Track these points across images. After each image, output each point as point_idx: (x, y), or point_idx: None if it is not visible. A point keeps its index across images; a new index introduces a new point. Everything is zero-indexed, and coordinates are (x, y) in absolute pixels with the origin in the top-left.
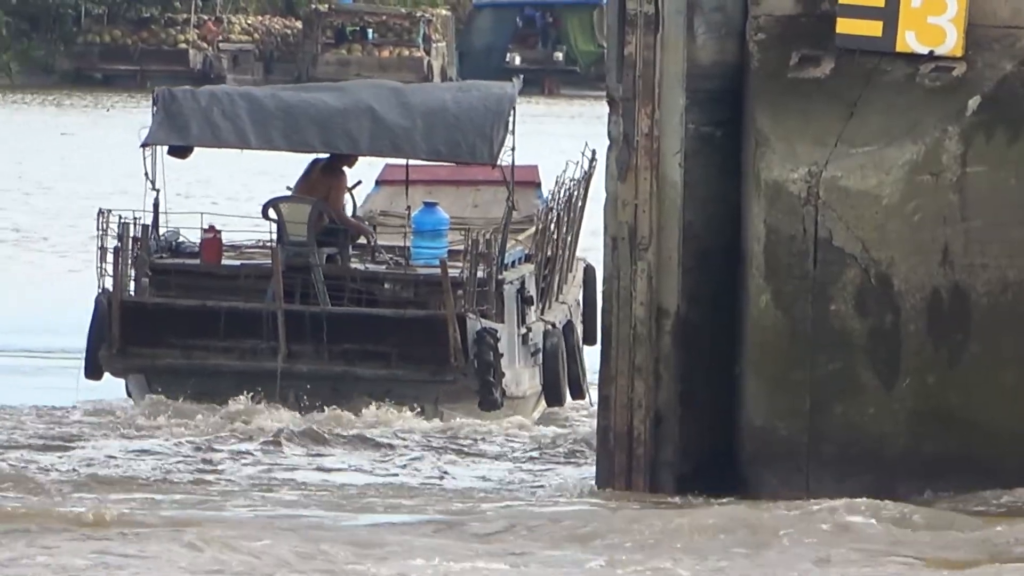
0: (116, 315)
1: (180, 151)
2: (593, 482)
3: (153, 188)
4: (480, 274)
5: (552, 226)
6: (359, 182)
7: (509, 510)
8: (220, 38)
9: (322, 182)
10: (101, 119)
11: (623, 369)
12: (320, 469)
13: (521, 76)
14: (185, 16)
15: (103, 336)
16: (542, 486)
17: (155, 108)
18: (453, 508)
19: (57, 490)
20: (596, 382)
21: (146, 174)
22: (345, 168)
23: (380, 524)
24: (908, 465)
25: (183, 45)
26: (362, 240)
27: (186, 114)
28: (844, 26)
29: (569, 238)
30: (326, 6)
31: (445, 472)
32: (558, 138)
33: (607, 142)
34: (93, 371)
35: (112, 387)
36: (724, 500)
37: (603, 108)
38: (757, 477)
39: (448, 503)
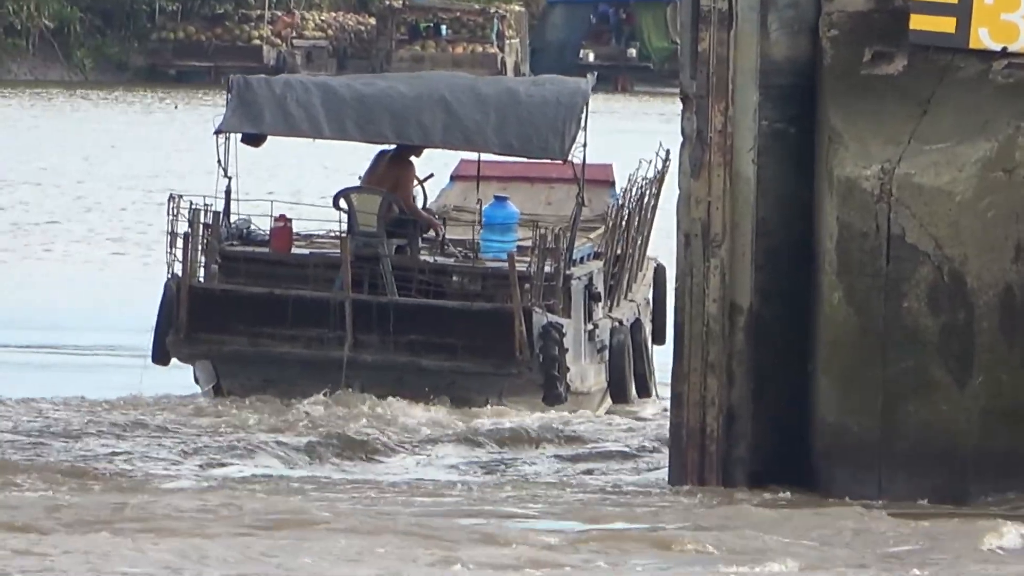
0: (184, 300)
1: (253, 139)
2: (664, 479)
3: (225, 175)
4: (548, 269)
5: (622, 224)
6: (431, 175)
7: (589, 507)
8: (294, 34)
9: (391, 173)
10: (174, 116)
11: (696, 366)
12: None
13: (595, 72)
14: (259, 12)
15: (170, 321)
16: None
17: (230, 95)
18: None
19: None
20: (665, 380)
21: (219, 161)
22: (413, 159)
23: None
24: (980, 463)
25: (257, 41)
26: (431, 233)
27: (260, 102)
28: (917, 22)
29: (639, 237)
30: (400, 2)
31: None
32: (631, 135)
33: (680, 139)
34: (160, 356)
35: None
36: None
37: (676, 105)
38: (828, 474)
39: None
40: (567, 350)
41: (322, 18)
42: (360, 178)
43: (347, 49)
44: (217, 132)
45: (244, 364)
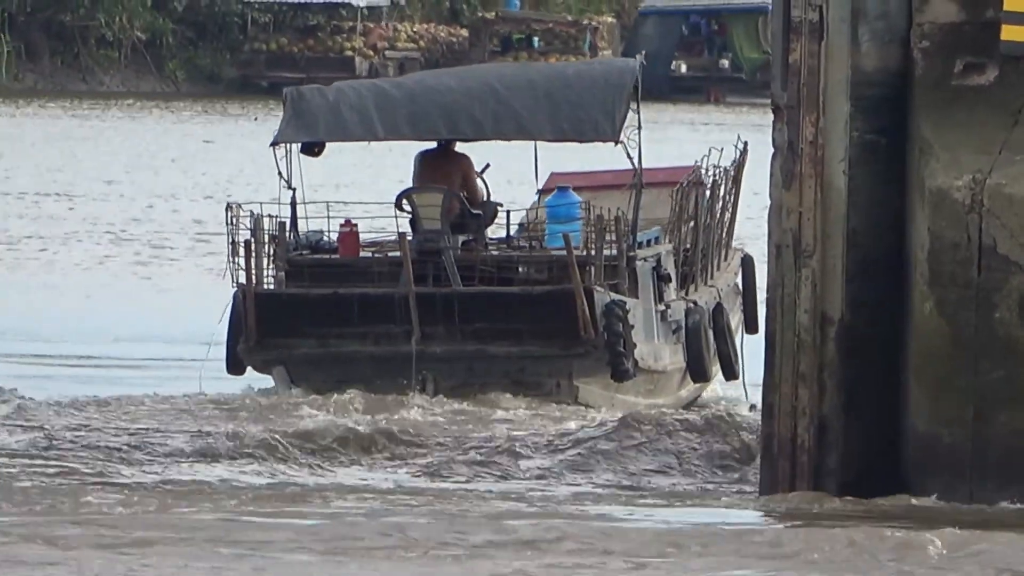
0: (251, 308)
1: (311, 148)
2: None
3: (288, 187)
4: (612, 252)
5: (695, 209)
6: (488, 166)
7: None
8: (386, 46)
9: (449, 170)
10: (258, 127)
11: (787, 377)
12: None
13: (644, 52)
14: (351, 24)
15: (241, 330)
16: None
17: (284, 107)
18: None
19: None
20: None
21: (279, 173)
22: (461, 149)
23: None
24: None
25: (349, 53)
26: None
27: (314, 111)
28: (1008, 33)
29: (720, 225)
30: (493, 14)
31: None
32: (724, 147)
33: (771, 150)
34: (234, 366)
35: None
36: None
37: (769, 116)
38: (920, 484)
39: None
40: (632, 327)
41: (414, 30)
42: (414, 179)
43: (439, 61)
44: (273, 144)
45: (315, 366)
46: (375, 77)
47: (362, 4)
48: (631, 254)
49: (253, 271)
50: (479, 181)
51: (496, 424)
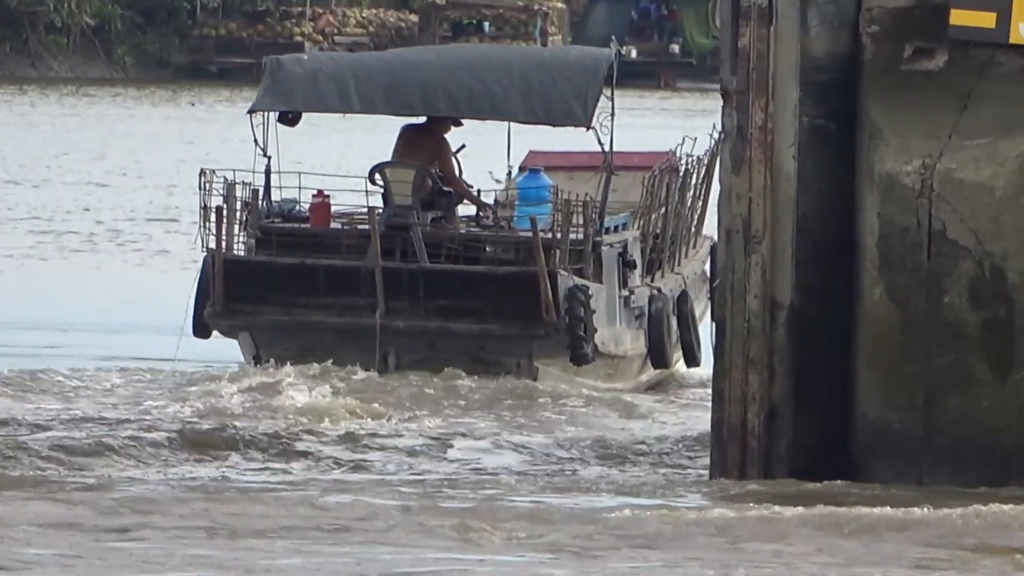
0: (219, 273)
1: (287, 117)
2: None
3: (264, 155)
4: (580, 236)
5: (662, 197)
6: (463, 146)
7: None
8: (335, 31)
9: (426, 147)
10: (212, 112)
11: (737, 362)
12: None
13: (615, 39)
14: (300, 9)
15: (208, 295)
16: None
17: (263, 76)
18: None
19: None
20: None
21: (255, 140)
22: (446, 134)
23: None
24: (1021, 457)
25: (299, 38)
26: (484, 212)
27: (292, 80)
28: (957, 18)
29: (690, 213)
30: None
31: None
32: (673, 132)
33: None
34: (200, 329)
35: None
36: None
37: (719, 101)
38: (870, 469)
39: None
40: (594, 312)
41: (363, 15)
42: (394, 152)
43: (387, 46)
44: (250, 111)
45: (281, 334)
46: None
47: None
48: (597, 239)
49: (224, 237)
50: (453, 160)
51: (448, 406)
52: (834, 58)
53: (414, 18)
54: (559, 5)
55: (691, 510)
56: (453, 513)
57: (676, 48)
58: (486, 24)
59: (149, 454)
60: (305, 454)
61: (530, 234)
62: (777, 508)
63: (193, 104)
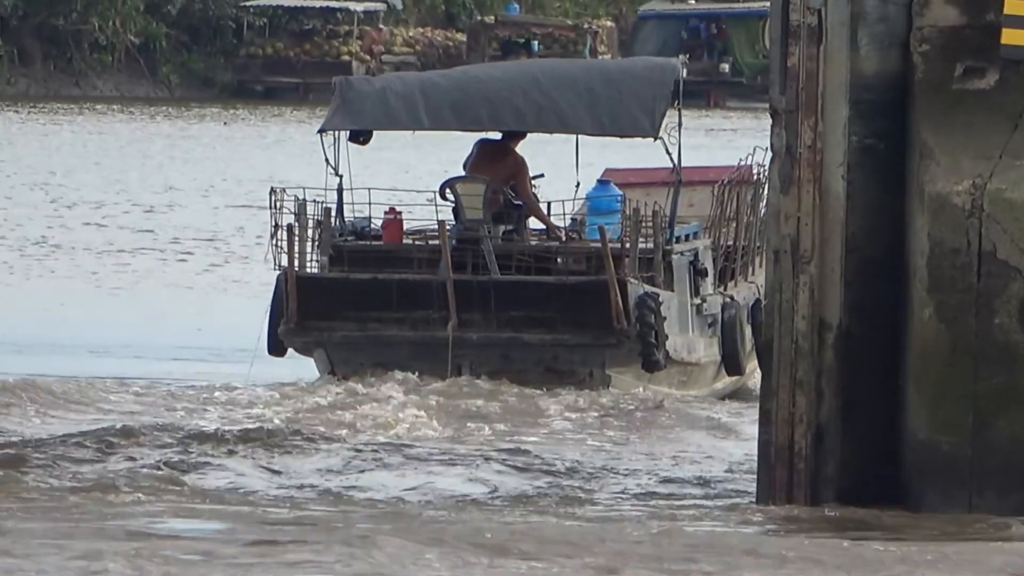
0: (292, 290)
1: (358, 136)
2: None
3: (336, 174)
4: (651, 245)
5: (733, 208)
6: (541, 175)
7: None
8: (382, 50)
9: (502, 165)
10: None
11: (784, 383)
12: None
13: (687, 55)
14: (347, 28)
15: (282, 313)
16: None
17: (333, 96)
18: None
19: None
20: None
21: (326, 160)
22: (517, 149)
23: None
24: None
25: (345, 57)
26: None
27: (361, 99)
28: (1009, 37)
29: (761, 224)
30: (492, 18)
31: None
32: (722, 152)
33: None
34: (275, 347)
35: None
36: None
37: (768, 120)
38: (919, 492)
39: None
40: (664, 319)
41: (410, 34)
42: (465, 166)
43: (435, 65)
44: (320, 131)
45: (354, 349)
46: None
47: (358, 8)
48: (667, 247)
49: (296, 254)
50: (529, 182)
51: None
52: (884, 77)
53: (462, 37)
54: (608, 24)
55: (730, 534)
56: (496, 531)
57: (726, 67)
58: (535, 43)
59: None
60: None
61: (600, 244)
62: (824, 537)
63: (226, 123)
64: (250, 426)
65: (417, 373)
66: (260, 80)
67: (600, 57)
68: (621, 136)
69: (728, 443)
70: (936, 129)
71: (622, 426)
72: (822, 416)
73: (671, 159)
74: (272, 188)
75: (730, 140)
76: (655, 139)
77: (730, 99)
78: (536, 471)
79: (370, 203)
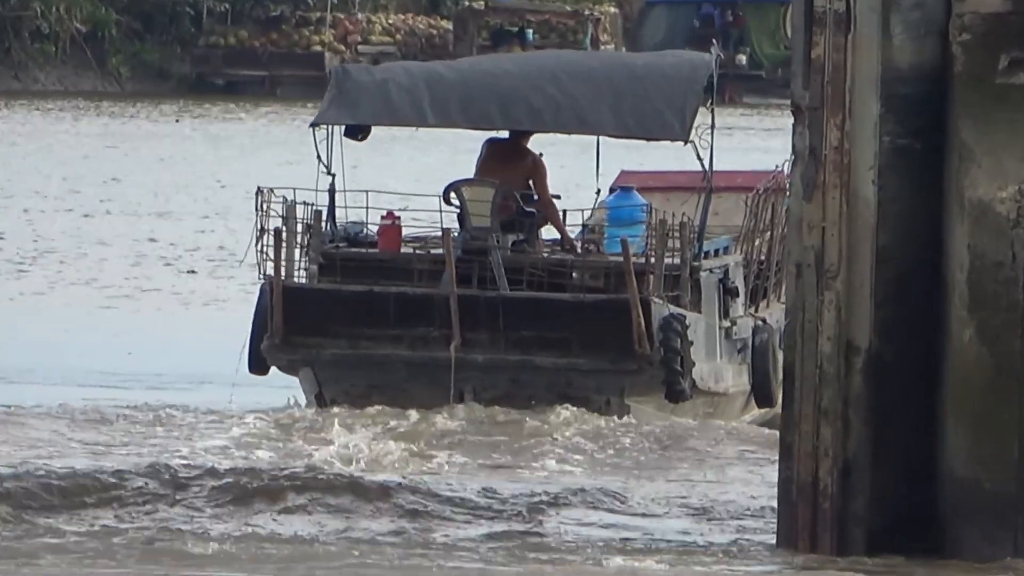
0: (279, 302)
1: (355, 132)
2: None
3: (328, 173)
4: (676, 261)
5: (766, 222)
6: (540, 154)
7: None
8: (358, 39)
9: (515, 166)
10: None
11: (808, 413)
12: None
13: (718, 42)
14: (319, 15)
15: (266, 326)
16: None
17: (328, 86)
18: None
19: None
20: None
21: (318, 157)
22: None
23: None
24: None
25: (317, 48)
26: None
27: (360, 90)
28: None
29: None
30: (481, 4)
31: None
32: (740, 153)
33: (791, 156)
34: (257, 365)
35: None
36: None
37: (789, 118)
38: (958, 534)
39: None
40: (691, 344)
41: (389, 21)
42: (476, 169)
43: (417, 56)
44: (313, 125)
45: (346, 369)
46: None
47: None
48: (695, 264)
49: (283, 262)
50: (548, 183)
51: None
52: (920, 70)
53: (447, 25)
54: (612, 10)
55: None
56: None
57: (743, 59)
58: (530, 32)
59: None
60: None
61: (621, 258)
62: None
63: (178, 120)
64: (216, 465)
65: (408, 399)
66: (221, 73)
67: (603, 47)
68: (647, 139)
69: (753, 476)
70: (977, 127)
71: (634, 457)
72: (849, 449)
73: (702, 165)
74: (259, 188)
75: (746, 140)
76: (685, 143)
77: (747, 94)
78: (527, 508)
79: (367, 207)
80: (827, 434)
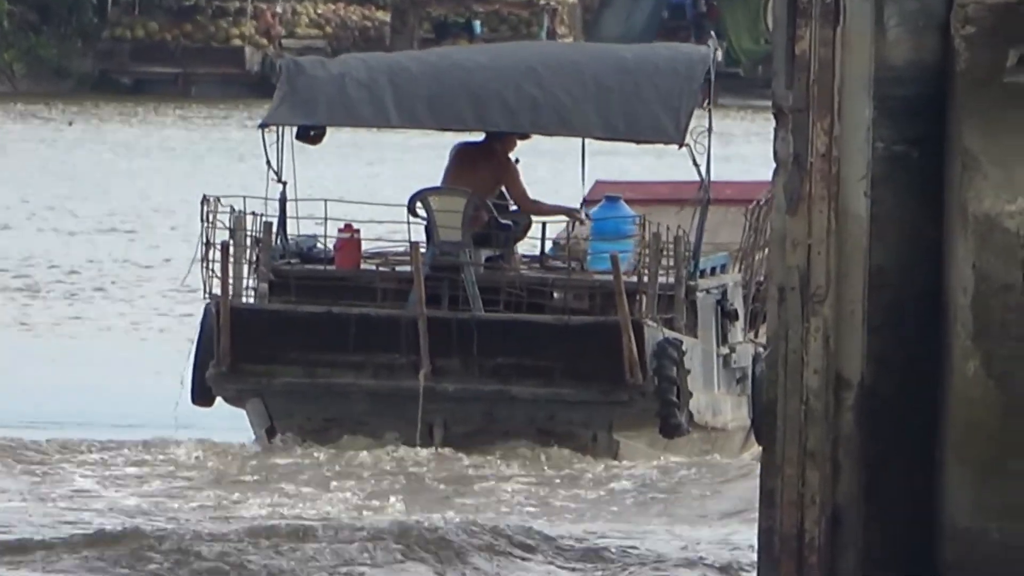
0: (226, 325)
1: (309, 134)
2: None
3: (278, 180)
4: (669, 280)
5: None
6: (516, 160)
7: None
8: (282, 32)
9: (485, 172)
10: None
11: (792, 455)
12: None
13: (713, 34)
14: (238, 5)
15: (211, 352)
16: None
17: (279, 82)
18: None
19: None
20: None
21: (268, 162)
22: (510, 153)
23: None
24: None
25: (237, 41)
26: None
27: (314, 87)
28: None
29: None
30: None
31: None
32: (719, 162)
33: (773, 165)
34: (201, 395)
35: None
36: None
37: (770, 122)
38: None
39: None
40: (689, 372)
41: (318, 12)
42: (444, 177)
43: (351, 50)
44: (262, 125)
45: (301, 400)
46: (270, 72)
47: None
48: (691, 283)
49: (230, 280)
50: (523, 184)
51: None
52: (918, 68)
53: (384, 16)
54: (570, 0)
55: None
56: None
57: (719, 55)
58: (477, 24)
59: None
60: None
61: (608, 277)
62: None
63: (71, 123)
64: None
65: (370, 434)
66: (128, 70)
67: (560, 41)
68: (638, 141)
69: (735, 524)
70: (983, 133)
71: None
72: (839, 496)
73: (698, 171)
74: (204, 196)
75: (722, 147)
76: (680, 146)
77: (724, 94)
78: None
79: (326, 219)
80: (814, 479)
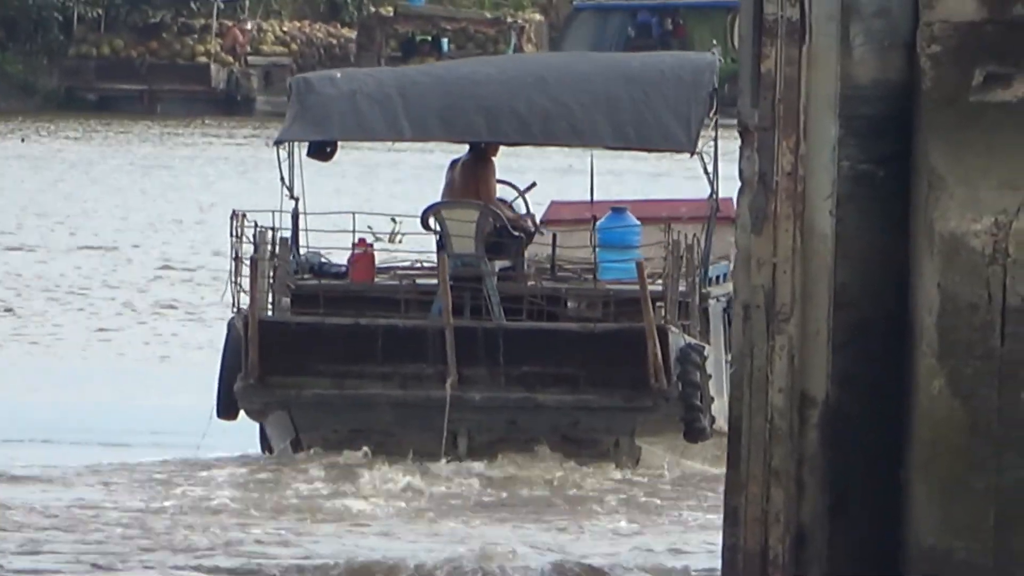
0: (254, 338)
1: (321, 151)
2: None
3: (291, 196)
4: (682, 287)
5: None
6: (534, 183)
7: None
8: (248, 50)
9: (483, 181)
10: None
11: (756, 473)
12: None
13: (715, 43)
14: (204, 22)
15: (238, 366)
16: None
17: (289, 99)
18: None
19: None
20: None
21: (282, 179)
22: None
23: None
24: None
25: (202, 59)
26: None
27: (326, 104)
28: None
29: None
30: (389, 10)
31: None
32: (671, 180)
33: (738, 184)
34: (226, 409)
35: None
36: None
37: (736, 141)
38: None
39: None
40: (710, 377)
41: (284, 29)
42: (445, 192)
43: (316, 67)
44: (278, 143)
45: (327, 412)
46: (235, 89)
47: None
48: (704, 291)
49: (258, 294)
50: (494, 184)
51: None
52: (884, 86)
53: (349, 33)
54: (536, 17)
55: None
56: None
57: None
58: (445, 41)
59: None
60: None
61: (618, 287)
62: None
63: (23, 140)
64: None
65: (396, 444)
66: (94, 87)
67: None
68: (649, 150)
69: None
70: (949, 152)
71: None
72: (804, 515)
73: (708, 180)
74: (234, 211)
75: (690, 165)
76: (691, 154)
77: None
78: None
79: (354, 230)
80: (778, 497)
